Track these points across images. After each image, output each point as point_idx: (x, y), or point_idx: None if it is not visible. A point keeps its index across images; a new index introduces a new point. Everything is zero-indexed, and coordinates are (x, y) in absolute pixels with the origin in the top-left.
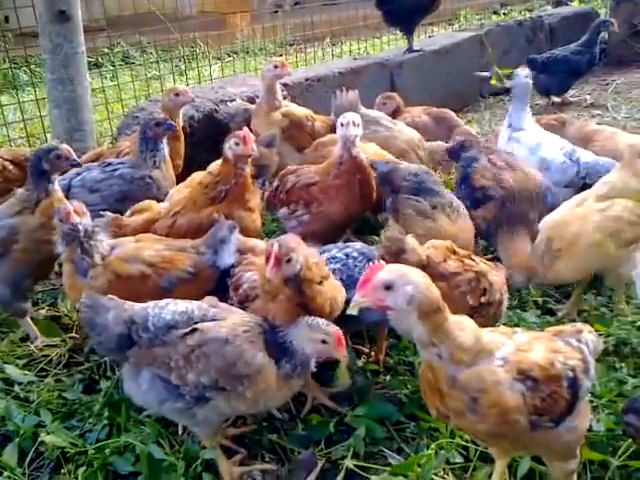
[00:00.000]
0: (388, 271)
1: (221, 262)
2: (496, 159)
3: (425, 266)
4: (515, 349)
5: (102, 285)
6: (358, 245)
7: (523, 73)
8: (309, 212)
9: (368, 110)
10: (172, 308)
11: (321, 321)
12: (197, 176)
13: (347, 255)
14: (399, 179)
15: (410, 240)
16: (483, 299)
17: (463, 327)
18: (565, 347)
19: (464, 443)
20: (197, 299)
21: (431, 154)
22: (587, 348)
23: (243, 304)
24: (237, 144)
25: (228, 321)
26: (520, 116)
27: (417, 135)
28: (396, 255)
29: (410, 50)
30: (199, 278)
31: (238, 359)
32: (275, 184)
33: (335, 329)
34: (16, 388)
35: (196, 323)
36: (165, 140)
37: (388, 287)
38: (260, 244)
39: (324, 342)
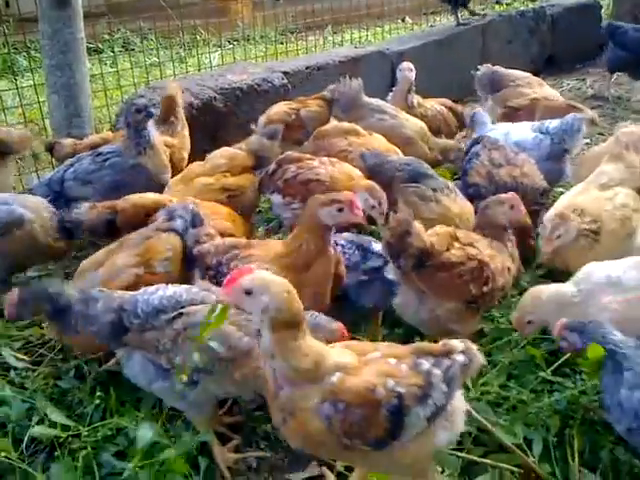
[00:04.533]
0: (252, 277)
1: None
2: (498, 156)
3: (429, 254)
4: (343, 373)
5: None
6: (345, 234)
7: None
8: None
9: (371, 99)
10: (160, 293)
11: (324, 318)
12: (194, 167)
13: (336, 243)
14: (391, 171)
15: (418, 225)
16: (485, 288)
17: (308, 352)
18: (404, 371)
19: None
20: None
21: (443, 151)
22: (443, 373)
23: None
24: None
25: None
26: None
27: (423, 125)
28: (401, 238)
29: (458, 24)
30: None
31: (223, 341)
32: (272, 167)
33: (339, 326)
34: (11, 373)
35: (183, 307)
36: (152, 127)
37: (248, 292)
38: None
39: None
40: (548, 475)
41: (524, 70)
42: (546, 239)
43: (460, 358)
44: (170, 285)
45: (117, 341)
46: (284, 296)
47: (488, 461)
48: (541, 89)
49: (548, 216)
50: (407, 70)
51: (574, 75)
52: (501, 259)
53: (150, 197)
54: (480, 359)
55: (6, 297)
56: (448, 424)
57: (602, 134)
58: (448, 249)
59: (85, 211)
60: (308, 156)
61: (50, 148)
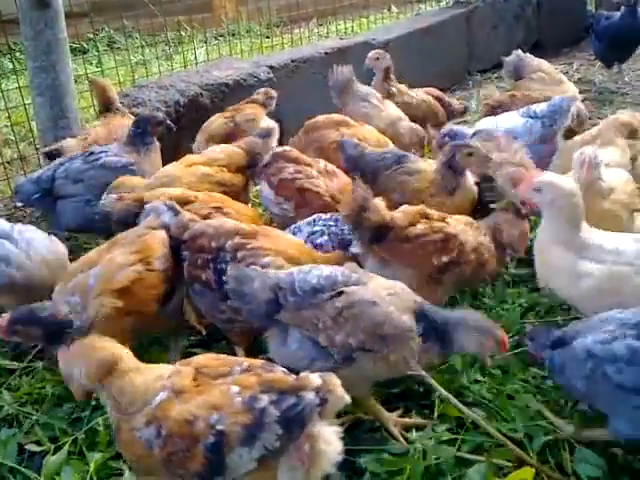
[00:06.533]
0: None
1: None
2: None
3: (389, 227)
4: (169, 397)
5: None
6: (324, 216)
7: None
8: (297, 214)
9: (362, 86)
10: (317, 273)
11: (488, 322)
12: (191, 157)
13: (324, 225)
14: (371, 162)
15: (376, 201)
16: (445, 258)
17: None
18: (236, 406)
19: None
20: None
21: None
22: (281, 413)
23: None
24: None
25: (370, 285)
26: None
27: (399, 119)
28: (358, 213)
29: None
30: None
31: (385, 320)
32: (267, 160)
33: (502, 333)
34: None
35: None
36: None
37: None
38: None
39: (482, 344)
40: (542, 465)
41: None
42: (580, 167)
43: (309, 397)
44: (323, 266)
45: (269, 319)
46: (88, 357)
47: (481, 458)
48: (558, 87)
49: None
50: (372, 60)
51: (561, 59)
52: (474, 234)
53: (177, 190)
54: (339, 397)
55: None
56: (299, 464)
57: (590, 118)
58: (413, 224)
59: (113, 203)
60: (306, 159)
61: (52, 156)
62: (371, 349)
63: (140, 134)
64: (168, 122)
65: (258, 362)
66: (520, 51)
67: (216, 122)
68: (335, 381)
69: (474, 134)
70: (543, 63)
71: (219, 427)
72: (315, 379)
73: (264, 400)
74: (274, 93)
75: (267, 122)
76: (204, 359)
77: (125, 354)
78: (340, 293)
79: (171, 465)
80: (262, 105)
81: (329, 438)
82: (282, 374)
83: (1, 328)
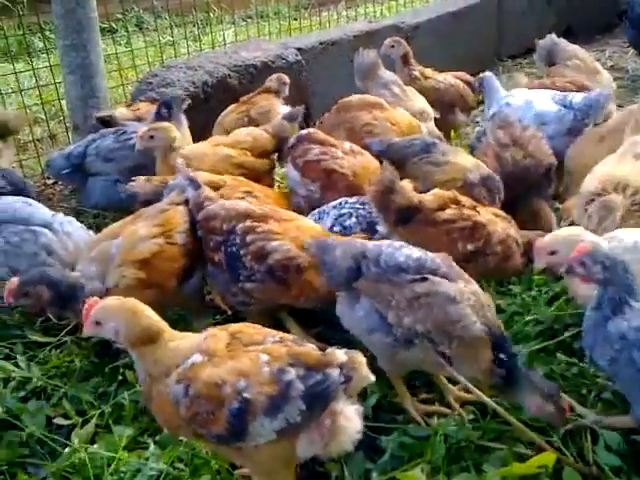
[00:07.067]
0: (97, 309)
1: None
2: (503, 135)
3: (416, 210)
4: (205, 360)
5: None
6: (350, 200)
7: None
8: (322, 195)
9: (386, 72)
10: (406, 252)
11: (553, 387)
12: (216, 137)
13: (352, 208)
14: (401, 150)
15: (403, 183)
16: (470, 246)
17: (161, 353)
18: (264, 375)
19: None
20: None
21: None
22: (306, 389)
23: (275, 274)
24: None
25: (457, 284)
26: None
27: (420, 109)
28: (383, 195)
29: None
30: None
31: (459, 320)
32: (292, 141)
33: (566, 401)
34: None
35: (426, 273)
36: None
37: (98, 323)
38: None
39: (546, 409)
40: (562, 455)
41: None
42: (591, 229)
43: (334, 374)
44: (415, 248)
45: (348, 285)
46: (128, 316)
47: (501, 445)
48: (593, 76)
49: (593, 205)
50: (387, 47)
51: (593, 46)
52: (503, 226)
53: (207, 175)
54: (364, 376)
55: (6, 284)
56: (318, 439)
57: (621, 106)
58: (443, 208)
59: (141, 184)
60: (332, 140)
61: (104, 121)
62: (434, 341)
63: (166, 114)
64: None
65: (290, 336)
66: (554, 35)
67: (231, 117)
68: (360, 359)
69: (492, 116)
70: (578, 50)
71: (245, 394)
72: (341, 355)
73: (291, 373)
74: (287, 79)
75: (283, 109)
76: (240, 325)
77: (166, 326)
78: (424, 279)
79: (194, 424)
80: (275, 92)
81: (350, 415)
82: (311, 349)
83: (10, 291)
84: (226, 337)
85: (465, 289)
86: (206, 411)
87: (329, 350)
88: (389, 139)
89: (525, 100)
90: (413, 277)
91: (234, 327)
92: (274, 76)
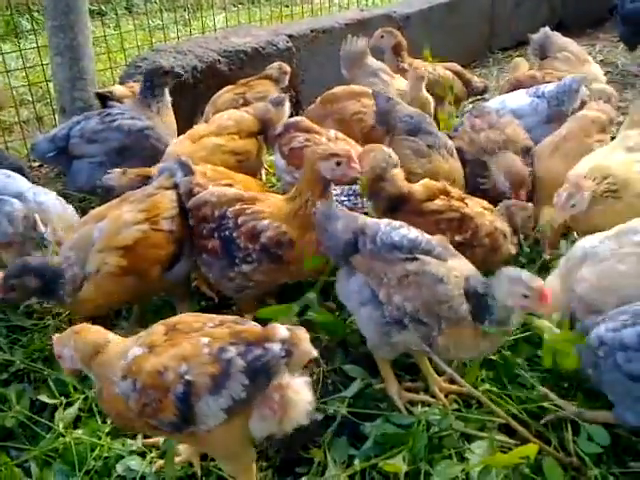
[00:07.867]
0: (54, 346)
1: None
2: (480, 122)
3: (407, 200)
4: (143, 352)
5: None
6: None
7: None
8: None
9: (373, 61)
10: (403, 232)
11: (523, 273)
12: (199, 128)
13: (337, 200)
14: (395, 119)
15: (395, 171)
16: (458, 237)
17: (107, 357)
18: (204, 357)
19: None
20: None
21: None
22: (247, 364)
23: (270, 251)
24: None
25: (448, 263)
26: None
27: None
28: (374, 182)
29: None
30: None
31: (446, 301)
32: (280, 129)
33: (539, 283)
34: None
35: (419, 253)
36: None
37: (59, 357)
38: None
39: (525, 296)
40: (544, 445)
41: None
42: (560, 207)
43: (275, 348)
44: (414, 229)
45: (345, 259)
46: (75, 339)
47: (484, 434)
48: (580, 67)
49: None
50: (377, 38)
51: (584, 40)
52: (491, 219)
53: None
54: (305, 352)
55: None
56: (270, 413)
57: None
58: (432, 199)
59: (117, 177)
60: (317, 128)
61: (102, 97)
62: (423, 321)
63: (149, 87)
64: (176, 71)
65: (230, 317)
66: (548, 28)
67: (225, 97)
68: (302, 335)
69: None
70: (569, 43)
71: (187, 377)
72: (282, 331)
73: (231, 351)
74: (288, 68)
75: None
76: (179, 317)
77: (113, 336)
78: (415, 259)
79: (145, 416)
80: (275, 81)
81: (298, 388)
82: (252, 326)
83: None
84: (162, 329)
85: (456, 267)
86: (154, 400)
87: (270, 325)
88: (396, 101)
89: (499, 101)
90: (406, 256)
91: (173, 319)
92: (275, 64)
